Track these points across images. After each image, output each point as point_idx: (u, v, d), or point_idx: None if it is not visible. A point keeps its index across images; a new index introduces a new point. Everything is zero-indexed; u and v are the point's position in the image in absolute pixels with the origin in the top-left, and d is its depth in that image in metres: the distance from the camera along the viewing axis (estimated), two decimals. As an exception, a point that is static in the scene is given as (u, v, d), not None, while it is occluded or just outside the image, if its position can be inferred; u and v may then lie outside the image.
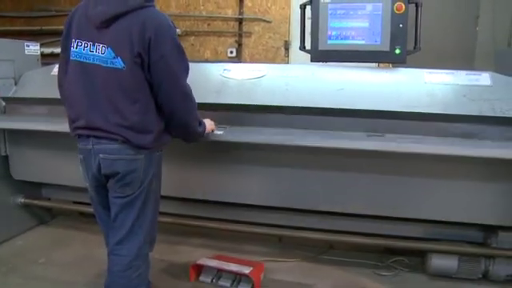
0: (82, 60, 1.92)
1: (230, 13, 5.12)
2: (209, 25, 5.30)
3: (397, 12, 2.78)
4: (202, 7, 5.27)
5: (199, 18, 5.28)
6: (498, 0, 4.30)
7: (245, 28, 5.22)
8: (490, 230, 2.76)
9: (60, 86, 2.12)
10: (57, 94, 2.19)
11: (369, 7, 2.83)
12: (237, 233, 3.25)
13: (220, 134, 2.49)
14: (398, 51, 2.82)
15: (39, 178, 3.39)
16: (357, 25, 2.87)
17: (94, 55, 1.89)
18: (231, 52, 5.27)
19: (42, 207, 3.67)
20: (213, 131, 2.44)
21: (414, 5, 2.81)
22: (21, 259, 3.11)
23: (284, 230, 3.10)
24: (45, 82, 3.24)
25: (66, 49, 1.99)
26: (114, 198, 2.06)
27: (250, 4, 5.10)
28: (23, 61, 3.41)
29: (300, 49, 3.10)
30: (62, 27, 2.07)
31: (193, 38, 5.36)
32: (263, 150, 2.70)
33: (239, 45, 5.27)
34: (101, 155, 1.96)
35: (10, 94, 3.27)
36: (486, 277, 2.80)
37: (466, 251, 2.72)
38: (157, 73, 1.89)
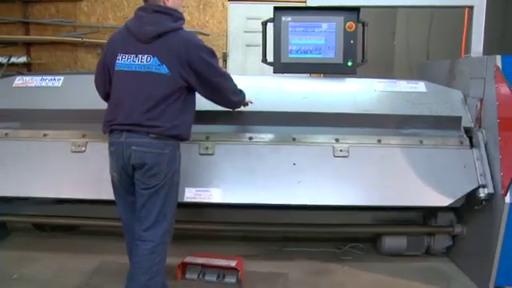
0: (126, 69, 2.33)
1: (171, 26, 5.27)
2: (149, 37, 5.40)
3: (348, 30, 3.25)
4: (141, 20, 5.37)
5: (139, 30, 5.36)
6: (410, 18, 5.04)
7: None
8: (430, 211, 3.31)
9: (96, 86, 2.58)
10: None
11: (324, 26, 3.26)
12: (201, 232, 3.48)
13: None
14: (350, 63, 3.28)
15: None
16: (314, 41, 3.28)
17: (137, 64, 2.31)
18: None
19: (-1, 224, 3.55)
20: (250, 102, 2.88)
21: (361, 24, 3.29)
22: (-10, 277, 3.02)
23: (247, 227, 3.39)
24: (8, 95, 3.21)
25: (107, 63, 2.41)
26: (141, 190, 2.37)
27: (188, 18, 5.30)
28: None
29: (262, 61, 3.42)
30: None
31: (133, 49, 5.42)
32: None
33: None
34: (133, 147, 2.30)
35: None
36: (428, 251, 3.36)
37: (414, 231, 3.24)
38: (201, 72, 2.35)
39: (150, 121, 2.29)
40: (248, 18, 5.15)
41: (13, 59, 4.82)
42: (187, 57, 2.30)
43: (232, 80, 2.60)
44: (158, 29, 2.30)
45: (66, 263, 3.26)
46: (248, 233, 3.76)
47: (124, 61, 2.34)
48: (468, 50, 3.52)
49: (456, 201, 3.01)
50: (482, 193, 2.90)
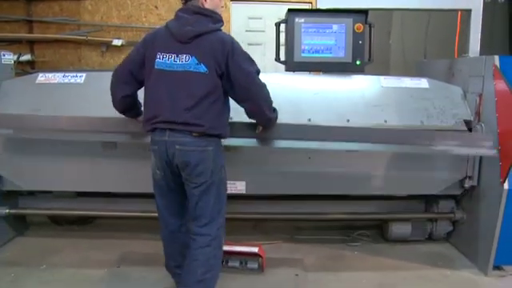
0: (166, 68, 2.36)
1: (173, 25, 5.40)
2: (152, 35, 5.51)
3: (357, 31, 3.47)
4: (144, 19, 5.46)
5: (142, 29, 5.47)
6: (405, 19, 5.31)
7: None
8: (431, 200, 3.58)
9: (115, 84, 2.55)
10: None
11: (335, 27, 3.47)
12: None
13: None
14: (358, 62, 3.50)
15: (33, 187, 3.41)
16: (325, 41, 3.49)
17: (177, 64, 2.34)
18: (175, 61, 5.56)
19: (19, 218, 3.66)
20: None
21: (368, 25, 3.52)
22: (20, 268, 3.14)
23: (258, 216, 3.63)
24: (32, 92, 3.31)
25: (142, 61, 2.43)
26: (191, 189, 2.42)
27: (191, 17, 5.43)
28: (0, 70, 3.41)
29: (275, 60, 3.61)
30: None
31: (136, 48, 5.52)
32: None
33: (182, 54, 5.57)
34: (177, 146, 2.34)
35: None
36: (430, 237, 3.63)
37: (419, 217, 3.51)
38: (235, 75, 2.36)
39: (192, 119, 2.32)
40: (249, 18, 5.32)
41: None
42: (223, 58, 2.33)
43: (268, 92, 2.50)
44: (198, 29, 2.35)
45: (89, 254, 3.41)
46: (259, 222, 3.98)
47: (165, 60, 2.36)
48: (460, 50, 3.81)
49: (454, 188, 3.35)
50: (467, 183, 3.28)
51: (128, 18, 5.47)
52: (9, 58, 3.54)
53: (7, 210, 3.41)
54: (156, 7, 5.44)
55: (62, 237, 3.72)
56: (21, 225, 3.74)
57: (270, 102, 2.56)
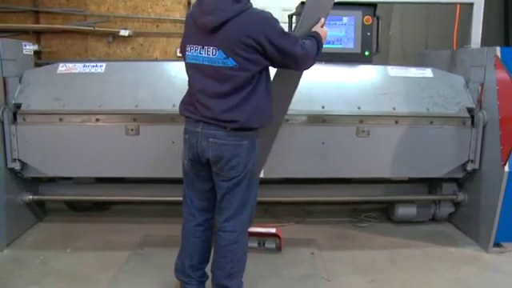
0: (194, 62, 2.27)
1: (179, 15, 5.51)
2: (157, 26, 5.62)
3: (366, 23, 3.65)
4: (150, 10, 5.54)
5: (148, 19, 5.57)
6: (404, 11, 5.50)
7: (193, 30, 5.61)
8: (435, 182, 3.80)
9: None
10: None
11: (345, 19, 3.65)
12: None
13: None
14: (367, 53, 3.69)
15: (57, 173, 3.52)
16: (336, 33, 3.66)
17: (203, 57, 2.22)
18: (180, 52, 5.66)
19: (39, 205, 3.78)
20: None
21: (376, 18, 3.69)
22: (46, 252, 3.26)
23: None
24: (54, 81, 3.42)
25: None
26: (221, 182, 2.35)
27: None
28: (22, 60, 3.50)
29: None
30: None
31: (142, 38, 5.62)
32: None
33: (188, 45, 5.67)
34: (210, 139, 2.27)
35: (16, 93, 3.35)
36: (433, 218, 3.86)
37: (425, 198, 3.74)
38: (275, 57, 2.24)
39: (224, 115, 2.22)
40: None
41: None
42: (257, 43, 2.15)
43: (311, 52, 2.36)
44: (218, 18, 2.13)
45: (111, 238, 3.54)
46: (270, 206, 4.15)
47: (192, 52, 2.26)
48: (459, 41, 4.02)
49: (457, 172, 3.56)
50: (469, 166, 3.50)
51: (134, 9, 5.57)
52: (29, 48, 3.63)
53: (30, 197, 3.53)
54: (162, -2, 5.54)
55: (82, 222, 3.85)
56: (40, 211, 3.85)
57: (314, 55, 2.41)
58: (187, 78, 2.40)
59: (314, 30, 2.57)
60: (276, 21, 2.25)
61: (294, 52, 2.27)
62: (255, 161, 2.40)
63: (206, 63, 2.23)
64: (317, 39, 2.47)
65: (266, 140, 2.66)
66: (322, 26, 2.61)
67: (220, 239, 2.41)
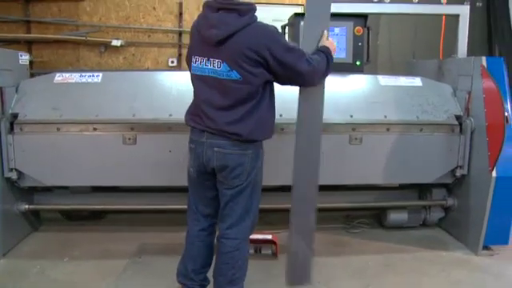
0: (200, 73, 2.32)
1: (170, 25, 5.58)
2: (149, 36, 5.67)
3: (357, 34, 3.75)
4: (142, 20, 5.60)
5: (140, 29, 5.61)
6: (392, 21, 5.65)
7: (184, 40, 5.66)
8: (425, 188, 3.90)
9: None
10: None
11: (337, 30, 3.75)
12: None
13: None
14: (358, 63, 3.79)
15: (54, 182, 3.52)
16: (328, 43, 3.74)
17: (209, 69, 2.26)
18: (172, 62, 5.72)
19: (34, 214, 3.77)
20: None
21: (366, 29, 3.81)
22: (43, 261, 3.26)
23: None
24: (51, 91, 3.44)
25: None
26: (224, 190, 2.40)
27: (188, 18, 5.56)
28: (18, 70, 3.52)
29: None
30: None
31: (133, 48, 5.66)
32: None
33: (179, 55, 5.75)
34: (215, 148, 2.31)
35: (13, 103, 3.36)
36: (424, 223, 3.96)
37: (416, 204, 3.83)
38: (280, 73, 2.26)
39: (228, 127, 2.27)
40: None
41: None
42: (260, 58, 2.18)
43: (319, 69, 2.35)
44: (223, 32, 2.17)
45: (107, 247, 3.55)
46: (263, 214, 4.17)
47: (198, 64, 2.31)
48: (445, 51, 4.16)
49: (446, 177, 3.66)
50: (458, 172, 3.60)
51: (126, 19, 5.62)
52: (25, 58, 3.66)
53: (26, 206, 3.53)
54: (154, 8, 5.61)
55: (77, 231, 3.84)
56: (36, 220, 3.85)
57: (323, 71, 2.41)
58: (186, 88, 2.49)
59: (321, 44, 2.52)
60: (281, 35, 2.29)
61: (299, 68, 2.26)
62: (259, 170, 2.45)
63: (210, 75, 2.28)
64: (326, 54, 2.44)
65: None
66: (326, 39, 2.57)
67: (222, 246, 2.45)
